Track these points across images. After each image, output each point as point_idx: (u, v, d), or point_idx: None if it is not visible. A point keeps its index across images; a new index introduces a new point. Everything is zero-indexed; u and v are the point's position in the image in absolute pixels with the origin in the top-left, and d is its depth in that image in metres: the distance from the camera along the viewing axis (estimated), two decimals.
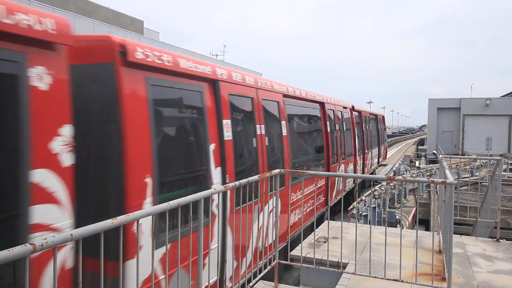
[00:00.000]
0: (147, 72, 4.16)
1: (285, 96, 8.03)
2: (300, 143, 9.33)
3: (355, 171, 14.11)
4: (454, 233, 4.79)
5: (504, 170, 20.01)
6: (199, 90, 5.15)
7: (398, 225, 13.70)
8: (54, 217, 3.00)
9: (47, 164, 2.95)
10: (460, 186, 14.28)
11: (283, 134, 7.59)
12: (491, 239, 7.03)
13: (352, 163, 13.69)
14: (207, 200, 3.67)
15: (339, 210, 11.80)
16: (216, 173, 5.26)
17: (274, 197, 5.10)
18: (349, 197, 14.32)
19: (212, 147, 5.23)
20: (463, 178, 18.43)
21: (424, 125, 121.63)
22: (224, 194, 5.03)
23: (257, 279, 4.70)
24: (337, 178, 11.52)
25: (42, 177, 2.91)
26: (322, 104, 10.59)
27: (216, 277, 5.03)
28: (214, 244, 4.99)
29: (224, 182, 5.37)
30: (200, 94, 5.16)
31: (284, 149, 7.58)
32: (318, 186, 9.69)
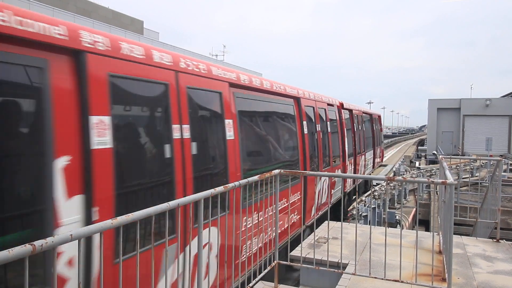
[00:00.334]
0: None
1: (233, 86, 5.90)
2: (260, 149, 7.17)
3: (344, 179, 12.05)
4: (454, 234, 4.79)
5: (504, 171, 20.00)
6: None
7: (398, 225, 13.72)
8: None
9: None
10: (460, 187, 14.29)
11: (228, 138, 5.51)
12: (491, 240, 7.03)
13: (340, 170, 11.58)
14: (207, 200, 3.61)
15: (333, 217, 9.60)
16: (68, 205, 3.15)
17: (274, 197, 5.10)
18: (337, 211, 10.86)
19: (59, 162, 3.11)
20: (463, 178, 18.44)
21: (424, 126, 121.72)
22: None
23: (257, 279, 4.69)
24: (319, 189, 9.39)
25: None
26: (296, 100, 8.46)
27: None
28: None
29: (88, 220, 3.29)
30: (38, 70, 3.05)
31: (228, 157, 5.45)
32: (291, 201, 7.54)
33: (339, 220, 6.04)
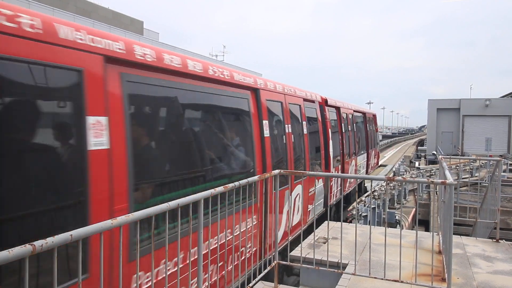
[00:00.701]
0: None
1: (117, 62, 3.61)
2: (187, 155, 4.78)
3: (329, 188, 10.16)
4: (454, 234, 4.79)
5: (504, 171, 20.04)
6: None
7: (398, 225, 13.73)
8: None
9: None
10: (460, 187, 14.29)
11: (94, 147, 3.25)
12: (491, 240, 7.03)
13: (321, 179, 9.61)
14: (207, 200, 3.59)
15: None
16: None
17: (274, 197, 5.10)
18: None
19: None
20: (462, 178, 18.46)
21: (424, 126, 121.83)
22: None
23: (256, 279, 4.69)
24: (287, 208, 6.90)
25: None
26: (254, 92, 6.33)
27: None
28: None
29: None
30: None
31: (116, 170, 3.45)
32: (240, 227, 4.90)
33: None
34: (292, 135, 7.64)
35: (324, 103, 10.59)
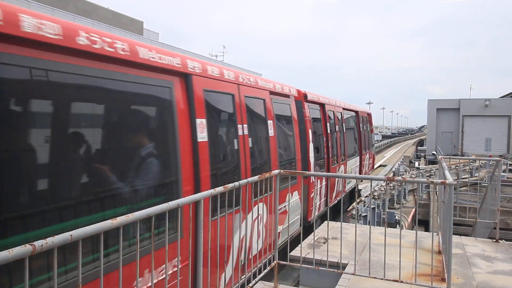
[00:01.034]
0: None
1: None
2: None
3: (308, 201, 8.72)
4: (454, 234, 4.80)
5: (504, 171, 20.07)
6: None
7: (398, 225, 13.73)
8: None
9: None
10: (460, 187, 14.30)
11: None
12: (491, 240, 7.04)
13: (297, 191, 7.82)
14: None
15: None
16: None
17: (273, 197, 5.10)
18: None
19: None
20: (462, 178, 18.49)
21: (424, 126, 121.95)
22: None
23: (256, 279, 4.69)
24: (243, 235, 5.11)
25: None
26: (183, 78, 4.64)
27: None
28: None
29: None
30: None
31: None
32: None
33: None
34: (250, 138, 5.98)
35: (302, 98, 8.87)
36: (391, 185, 17.78)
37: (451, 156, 21.44)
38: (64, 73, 3.13)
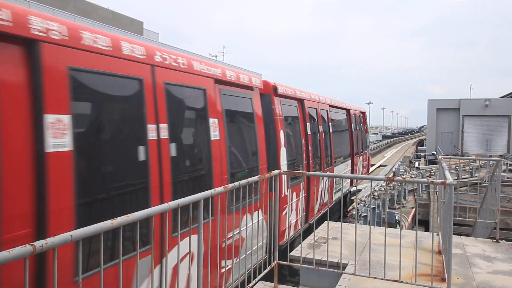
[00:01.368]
0: None
1: None
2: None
3: (280, 220, 6.69)
4: (454, 234, 4.80)
5: (504, 171, 20.07)
6: None
7: (398, 225, 13.73)
8: None
9: None
10: (460, 187, 14.30)
11: None
12: (491, 240, 7.04)
13: (260, 211, 5.91)
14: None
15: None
16: None
17: (273, 197, 5.10)
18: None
19: None
20: (462, 178, 18.48)
21: (424, 126, 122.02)
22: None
23: (256, 279, 4.69)
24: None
25: None
26: (29, 45, 2.95)
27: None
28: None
29: None
30: None
31: None
32: None
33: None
34: (172, 144, 4.38)
35: (271, 91, 7.32)
36: (391, 185, 17.78)
37: (451, 156, 21.43)
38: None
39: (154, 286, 3.64)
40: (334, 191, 11.22)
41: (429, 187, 19.57)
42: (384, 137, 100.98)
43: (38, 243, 1.95)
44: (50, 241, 2.00)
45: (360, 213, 12.55)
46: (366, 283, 4.91)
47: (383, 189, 17.17)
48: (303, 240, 6.40)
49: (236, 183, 4.00)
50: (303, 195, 8.37)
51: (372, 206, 13.25)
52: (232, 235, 4.64)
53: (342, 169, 12.32)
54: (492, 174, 8.73)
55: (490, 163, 18.01)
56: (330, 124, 10.88)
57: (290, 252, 5.95)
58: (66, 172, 3.12)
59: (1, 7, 2.75)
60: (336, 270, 5.10)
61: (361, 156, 15.09)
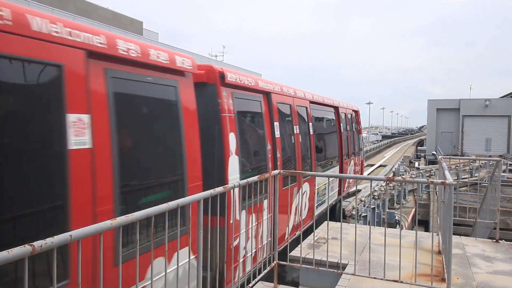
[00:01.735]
0: None
1: None
2: None
3: (227, 258, 4.65)
4: (454, 234, 4.80)
5: (504, 171, 20.08)
6: None
7: (398, 225, 13.74)
8: None
9: None
10: (460, 187, 14.31)
11: None
12: (491, 240, 7.03)
13: (187, 250, 3.89)
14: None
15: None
16: None
17: (273, 197, 5.10)
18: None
19: None
20: (462, 179, 18.48)
21: (423, 126, 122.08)
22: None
23: (256, 279, 4.69)
24: None
25: None
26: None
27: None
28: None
29: None
30: None
31: None
32: None
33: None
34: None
35: (217, 80, 5.48)
36: (391, 185, 17.80)
37: (451, 156, 21.44)
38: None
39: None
40: (316, 205, 9.17)
41: (429, 187, 19.58)
42: (384, 137, 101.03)
43: (38, 243, 1.94)
44: (49, 241, 2.00)
45: (360, 213, 12.56)
46: (366, 283, 4.91)
47: (383, 189, 17.19)
48: (303, 240, 6.40)
49: (236, 183, 4.01)
50: (268, 216, 6.30)
51: (372, 206, 13.27)
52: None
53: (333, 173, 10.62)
54: (492, 174, 8.73)
55: (490, 163, 18.03)
56: (311, 124, 9.02)
57: (290, 252, 5.95)
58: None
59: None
60: (336, 270, 5.10)
61: (352, 161, 13.26)
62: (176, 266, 3.59)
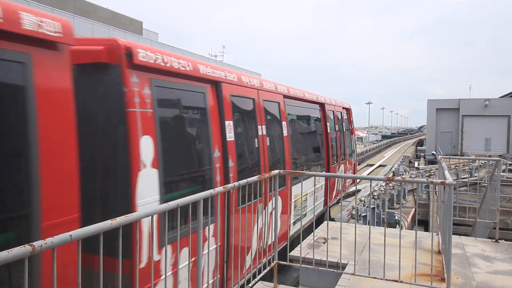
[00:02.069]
0: None
1: None
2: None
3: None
4: (453, 234, 4.80)
5: (503, 171, 20.07)
6: None
7: (398, 225, 13.74)
8: None
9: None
10: (459, 187, 14.31)
11: None
12: (490, 240, 7.04)
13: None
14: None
15: None
16: None
17: (274, 198, 5.10)
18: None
19: None
20: (462, 178, 18.48)
21: (423, 126, 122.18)
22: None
23: (256, 279, 4.70)
24: None
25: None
26: None
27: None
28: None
29: None
30: None
31: None
32: None
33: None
34: None
35: (122, 59, 3.78)
36: (391, 185, 17.80)
37: (451, 156, 21.43)
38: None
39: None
40: (293, 221, 7.63)
41: (428, 187, 19.57)
42: (384, 137, 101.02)
43: (38, 243, 1.94)
44: (49, 241, 2.00)
45: (359, 213, 12.56)
46: (365, 283, 4.91)
47: (382, 189, 17.19)
48: (302, 240, 6.39)
49: (236, 183, 4.01)
50: (216, 245, 4.77)
51: (371, 206, 13.26)
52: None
53: (309, 186, 8.47)
54: (492, 174, 8.74)
55: (490, 163, 18.02)
56: (284, 123, 7.48)
57: (289, 252, 5.95)
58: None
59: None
60: (335, 270, 5.10)
61: (342, 165, 11.65)
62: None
